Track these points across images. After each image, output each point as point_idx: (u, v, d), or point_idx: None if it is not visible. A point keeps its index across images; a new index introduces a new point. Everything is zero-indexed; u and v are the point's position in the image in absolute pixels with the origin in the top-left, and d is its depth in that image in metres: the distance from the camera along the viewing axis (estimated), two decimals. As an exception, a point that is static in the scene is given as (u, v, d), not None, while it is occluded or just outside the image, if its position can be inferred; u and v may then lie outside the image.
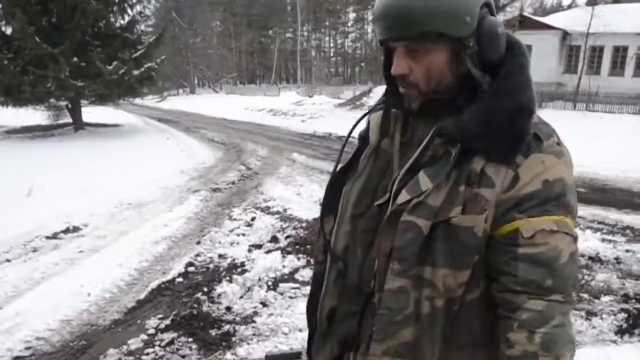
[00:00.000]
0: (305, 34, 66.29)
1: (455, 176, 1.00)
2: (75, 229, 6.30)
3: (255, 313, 4.13)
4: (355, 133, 1.32)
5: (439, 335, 1.01)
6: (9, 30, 15.84)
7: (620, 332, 3.80)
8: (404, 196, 1.01)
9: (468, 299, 1.01)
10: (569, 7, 55.56)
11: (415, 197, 1.00)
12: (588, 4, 27.57)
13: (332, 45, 74.32)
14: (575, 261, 0.99)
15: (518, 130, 0.99)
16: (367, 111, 1.28)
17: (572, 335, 0.98)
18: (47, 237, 5.95)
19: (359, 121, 1.27)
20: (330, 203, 1.23)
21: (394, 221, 1.02)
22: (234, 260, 5.24)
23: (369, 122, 1.24)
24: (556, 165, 0.99)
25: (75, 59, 15.16)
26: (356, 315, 1.15)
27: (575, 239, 1.00)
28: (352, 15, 69.00)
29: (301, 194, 8.22)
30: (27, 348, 3.60)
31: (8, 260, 5.23)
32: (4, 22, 15.95)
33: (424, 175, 1.01)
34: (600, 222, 6.62)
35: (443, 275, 0.98)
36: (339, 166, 1.26)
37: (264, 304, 4.27)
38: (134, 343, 3.66)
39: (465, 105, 1.03)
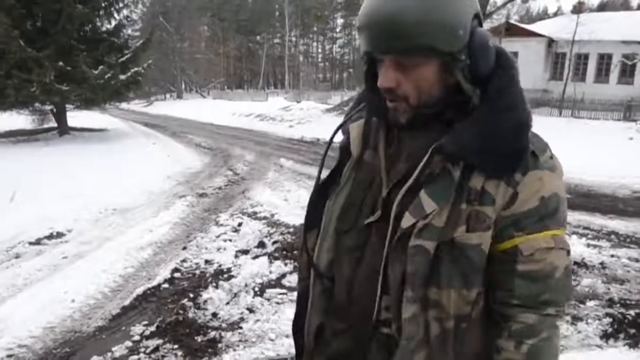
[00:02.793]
0: (293, 39, 66.34)
1: (455, 194, 0.97)
2: (59, 235, 6.22)
3: (242, 319, 4.09)
4: (337, 140, 1.28)
5: (451, 354, 1.00)
6: (-8, 34, 15.65)
7: (606, 336, 3.82)
8: (408, 220, 0.98)
9: (474, 314, 1.01)
10: (555, 14, 56.41)
11: (420, 219, 0.97)
12: (574, 11, 27.93)
13: (320, 50, 74.61)
14: (569, 273, 1.03)
15: (519, 147, 0.98)
16: (344, 120, 1.23)
17: (557, 348, 1.01)
18: (30, 243, 5.86)
19: (337, 130, 1.22)
20: (313, 218, 1.18)
21: (402, 246, 0.98)
22: (220, 266, 5.20)
23: (348, 133, 1.18)
24: (552, 181, 1.00)
25: (60, 63, 14.98)
26: (345, 333, 1.12)
27: (569, 252, 1.03)
28: (340, 21, 69.34)
29: (288, 200, 8.21)
30: (9, 356, 3.53)
31: (-10, 267, 5.14)
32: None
33: (426, 196, 0.98)
34: (585, 228, 6.67)
35: (451, 295, 0.97)
36: (321, 179, 1.21)
37: (250, 310, 4.24)
38: (119, 350, 3.61)
39: (455, 119, 1.00)
